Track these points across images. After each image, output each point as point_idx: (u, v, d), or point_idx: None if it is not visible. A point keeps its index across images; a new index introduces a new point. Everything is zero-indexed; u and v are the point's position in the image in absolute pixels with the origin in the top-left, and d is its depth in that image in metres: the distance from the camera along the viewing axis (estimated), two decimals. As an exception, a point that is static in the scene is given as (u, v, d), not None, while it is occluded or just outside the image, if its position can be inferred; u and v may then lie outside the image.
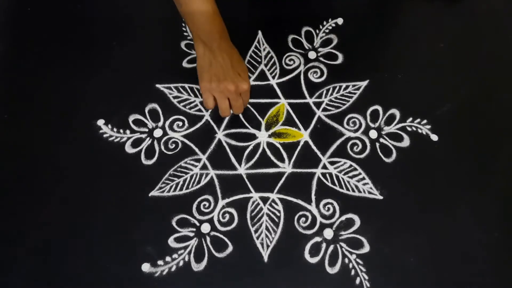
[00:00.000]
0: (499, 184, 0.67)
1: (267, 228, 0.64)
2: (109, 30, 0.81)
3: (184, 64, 0.77)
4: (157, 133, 0.71)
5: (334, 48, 0.79)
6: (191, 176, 0.68)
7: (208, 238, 0.63)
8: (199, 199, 0.66)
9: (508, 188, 0.67)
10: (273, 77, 0.76)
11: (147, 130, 0.72)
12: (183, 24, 0.82)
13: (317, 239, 0.63)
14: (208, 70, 0.65)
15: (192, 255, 0.62)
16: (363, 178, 0.67)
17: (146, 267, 0.61)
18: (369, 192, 0.66)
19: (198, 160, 0.69)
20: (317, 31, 0.81)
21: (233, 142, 0.70)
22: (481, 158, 0.69)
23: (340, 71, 0.76)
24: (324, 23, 0.82)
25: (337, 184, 0.67)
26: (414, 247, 0.62)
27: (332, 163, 0.69)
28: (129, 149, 0.70)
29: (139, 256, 0.62)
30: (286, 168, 0.67)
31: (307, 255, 0.62)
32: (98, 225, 0.64)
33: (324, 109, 0.73)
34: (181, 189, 0.67)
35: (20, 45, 0.80)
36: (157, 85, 0.75)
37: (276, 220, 0.64)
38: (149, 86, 0.75)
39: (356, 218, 0.64)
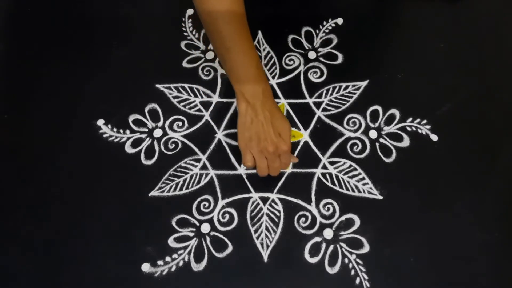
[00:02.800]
0: (499, 184, 0.67)
1: (267, 228, 0.64)
2: (109, 30, 0.81)
3: (184, 64, 0.77)
4: (157, 133, 0.71)
5: (334, 48, 0.79)
6: (191, 176, 0.68)
7: (208, 238, 0.63)
8: (199, 199, 0.66)
9: (508, 188, 0.67)
10: (273, 77, 0.76)
11: (147, 130, 0.72)
12: (183, 24, 0.82)
13: (317, 239, 0.63)
14: (249, 128, 0.61)
15: (192, 255, 0.62)
16: (363, 178, 0.67)
17: (146, 267, 0.61)
18: (369, 192, 0.66)
19: (198, 160, 0.69)
20: (317, 31, 0.81)
21: (233, 142, 0.70)
22: (481, 158, 0.69)
23: (340, 71, 0.76)
24: (324, 23, 0.82)
25: (337, 184, 0.67)
26: (414, 247, 0.62)
27: (332, 163, 0.69)
28: (129, 149, 0.70)
29: (139, 256, 0.62)
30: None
31: (307, 255, 0.62)
32: (98, 225, 0.64)
33: (324, 109, 0.73)
34: (181, 189, 0.67)
35: (20, 45, 0.80)
36: (157, 85, 0.75)
37: (276, 220, 0.64)
38: (149, 86, 0.75)
39: (356, 218, 0.64)
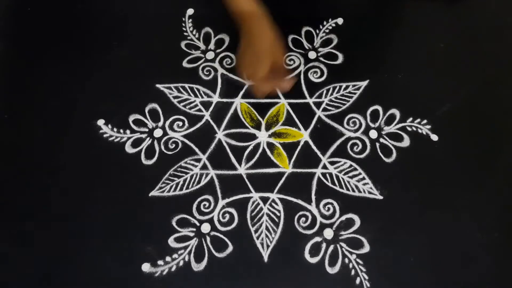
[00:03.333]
0: (499, 184, 0.67)
1: (267, 228, 0.64)
2: (109, 30, 0.81)
3: (184, 64, 0.77)
4: (157, 133, 0.71)
5: (334, 48, 0.79)
6: (191, 176, 0.68)
7: (208, 238, 0.63)
8: (199, 199, 0.66)
9: (508, 188, 0.67)
10: (273, 77, 0.76)
11: (147, 130, 0.72)
12: (183, 24, 0.82)
13: (317, 239, 0.63)
14: (239, 52, 0.67)
15: (192, 255, 0.62)
16: (363, 178, 0.67)
17: (146, 267, 0.61)
18: (369, 192, 0.66)
19: (198, 160, 0.69)
20: (317, 31, 0.81)
21: (233, 142, 0.70)
22: (481, 158, 0.69)
23: (340, 71, 0.76)
24: (324, 23, 0.82)
25: (337, 184, 0.67)
26: (414, 247, 0.63)
27: (332, 163, 0.69)
28: (129, 149, 0.70)
29: (139, 256, 0.62)
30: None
31: (307, 255, 0.62)
32: (98, 225, 0.64)
33: (324, 109, 0.73)
34: (181, 189, 0.67)
35: (20, 45, 0.80)
36: (157, 85, 0.75)
37: (276, 220, 0.64)
38: (149, 86, 0.75)
39: (356, 218, 0.64)
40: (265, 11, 0.65)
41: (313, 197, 0.66)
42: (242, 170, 0.68)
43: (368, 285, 0.60)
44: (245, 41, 0.64)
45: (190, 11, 0.83)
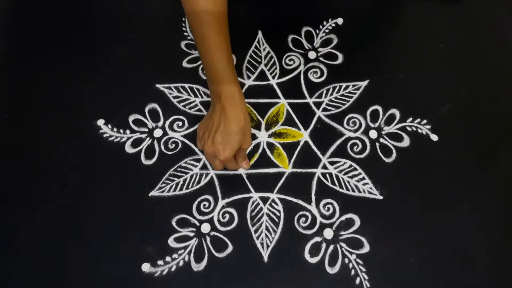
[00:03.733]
0: (499, 184, 0.67)
1: (267, 228, 0.64)
2: (109, 30, 0.81)
3: (184, 64, 0.77)
4: (157, 133, 0.71)
5: (334, 48, 0.79)
6: (191, 176, 0.68)
7: (208, 238, 0.63)
8: (199, 199, 0.66)
9: (508, 188, 0.67)
10: (273, 77, 0.76)
11: (147, 130, 0.72)
12: (183, 24, 0.82)
13: (317, 239, 0.63)
14: (205, 120, 0.65)
15: (192, 255, 0.62)
16: (363, 178, 0.67)
17: (146, 267, 0.61)
18: (369, 192, 0.66)
19: (198, 160, 0.69)
20: (317, 31, 0.81)
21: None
22: (481, 158, 0.69)
23: (340, 71, 0.76)
24: (324, 23, 0.82)
25: (337, 184, 0.67)
26: (414, 247, 0.62)
27: (332, 163, 0.69)
28: (129, 149, 0.70)
29: (139, 256, 0.62)
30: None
31: (307, 255, 0.62)
32: (98, 225, 0.64)
33: (324, 109, 0.73)
34: (181, 189, 0.67)
35: (20, 45, 0.80)
36: (157, 85, 0.75)
37: (276, 220, 0.64)
38: (149, 86, 0.75)
39: (356, 218, 0.64)
40: (243, 95, 0.63)
41: (313, 197, 0.66)
42: (242, 170, 0.68)
43: (368, 285, 0.60)
44: (216, 119, 0.62)
45: (190, 11, 0.83)
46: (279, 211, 0.65)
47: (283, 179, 0.68)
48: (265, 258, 0.62)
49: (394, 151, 0.70)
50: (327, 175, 0.68)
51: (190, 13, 0.61)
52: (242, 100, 0.63)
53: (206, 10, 0.59)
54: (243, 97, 0.63)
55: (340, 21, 0.82)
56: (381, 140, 0.71)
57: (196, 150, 0.70)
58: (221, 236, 0.63)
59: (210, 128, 0.63)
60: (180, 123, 0.72)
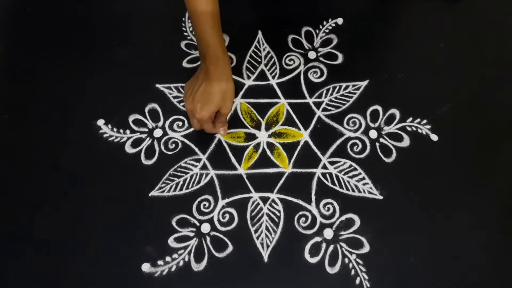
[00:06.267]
0: (499, 184, 0.67)
1: (267, 228, 0.64)
2: (109, 30, 0.81)
3: (184, 64, 0.77)
4: (157, 133, 0.71)
5: (334, 48, 0.79)
6: (191, 176, 0.68)
7: (208, 238, 0.63)
8: (199, 199, 0.66)
9: (508, 188, 0.67)
10: (273, 77, 0.76)
11: (147, 130, 0.72)
12: (183, 24, 0.82)
13: (317, 239, 0.63)
14: (191, 78, 0.67)
15: (192, 255, 0.62)
16: (363, 178, 0.67)
17: (146, 267, 0.61)
18: (369, 192, 0.66)
19: (198, 160, 0.69)
20: (317, 31, 0.81)
21: (233, 142, 0.70)
22: (481, 158, 0.69)
23: (340, 71, 0.76)
24: (324, 23, 0.82)
25: (337, 184, 0.67)
26: (414, 247, 0.63)
27: (332, 163, 0.69)
28: (129, 149, 0.70)
29: (139, 256, 0.62)
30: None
31: (307, 255, 0.62)
32: (98, 225, 0.64)
33: (324, 109, 0.73)
34: (181, 189, 0.67)
35: (20, 45, 0.80)
36: (157, 85, 0.75)
37: (276, 220, 0.64)
38: (149, 86, 0.75)
39: (356, 218, 0.64)
40: (229, 61, 0.64)
41: (313, 197, 0.66)
42: (242, 170, 0.68)
43: (368, 285, 0.60)
44: (200, 78, 0.64)
45: (190, 11, 0.83)
46: (279, 211, 0.65)
47: (283, 179, 0.68)
48: (265, 258, 0.62)
49: (394, 151, 0.70)
50: (327, 175, 0.68)
51: None
52: (226, 63, 0.64)
53: None
54: (228, 61, 0.64)
55: (340, 21, 0.82)
56: (381, 140, 0.71)
57: (196, 150, 0.70)
58: (221, 236, 0.63)
59: (193, 86, 0.64)
60: (180, 123, 0.72)
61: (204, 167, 0.68)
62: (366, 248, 0.62)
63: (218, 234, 0.63)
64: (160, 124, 0.72)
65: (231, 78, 0.64)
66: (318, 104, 0.74)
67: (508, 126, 0.72)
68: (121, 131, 0.71)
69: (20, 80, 0.77)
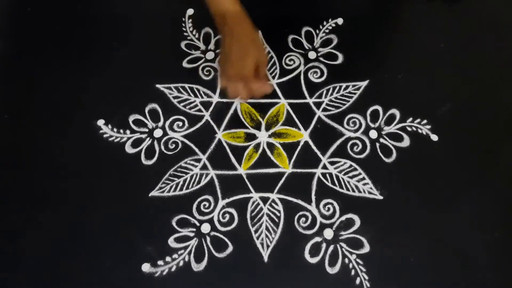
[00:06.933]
0: (499, 184, 0.67)
1: (267, 228, 0.64)
2: (109, 30, 0.81)
3: (184, 64, 0.77)
4: (157, 133, 0.71)
5: (334, 48, 0.79)
6: (191, 176, 0.68)
7: (208, 238, 0.63)
8: (199, 199, 0.66)
9: (508, 188, 0.67)
10: (273, 77, 0.76)
11: (147, 130, 0.72)
12: (183, 24, 0.82)
13: (317, 239, 0.63)
14: (221, 53, 0.65)
15: (192, 255, 0.62)
16: (363, 178, 0.67)
17: (146, 267, 0.61)
18: (369, 192, 0.66)
19: (198, 160, 0.69)
20: (317, 31, 0.81)
21: (233, 142, 0.70)
22: (481, 158, 0.69)
23: (340, 71, 0.76)
24: (324, 23, 0.82)
25: (337, 184, 0.67)
26: (414, 247, 0.63)
27: (332, 163, 0.69)
28: (129, 149, 0.70)
29: (139, 256, 0.62)
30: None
31: (307, 255, 0.62)
32: (98, 225, 0.64)
33: (324, 109, 0.73)
34: (181, 189, 0.67)
35: (20, 45, 0.80)
36: (157, 85, 0.75)
37: (276, 220, 0.64)
38: (149, 86, 0.75)
39: (356, 218, 0.64)
40: (247, 14, 0.64)
41: (313, 197, 0.66)
42: (242, 170, 0.68)
43: (368, 285, 0.60)
44: (228, 41, 0.62)
45: (190, 11, 0.83)
46: (279, 211, 0.65)
47: (283, 179, 0.68)
48: (265, 258, 0.62)
49: (394, 151, 0.70)
50: (327, 175, 0.68)
51: None
52: (247, 17, 0.63)
53: None
54: (247, 16, 0.63)
55: (340, 21, 0.82)
56: (381, 140, 0.71)
57: (196, 150, 0.70)
58: (221, 236, 0.63)
59: (226, 55, 0.62)
60: (180, 123, 0.72)
61: (204, 167, 0.68)
62: (366, 248, 0.62)
63: (218, 234, 0.63)
64: (160, 124, 0.72)
65: (253, 26, 0.63)
66: (318, 104, 0.74)
67: (508, 126, 0.72)
68: (121, 131, 0.71)
69: (20, 80, 0.77)
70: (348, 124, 0.72)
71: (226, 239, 0.63)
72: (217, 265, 0.61)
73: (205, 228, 0.64)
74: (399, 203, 0.65)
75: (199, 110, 0.73)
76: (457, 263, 0.62)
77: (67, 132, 0.71)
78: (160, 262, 0.61)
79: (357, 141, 0.70)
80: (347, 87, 0.75)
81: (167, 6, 0.84)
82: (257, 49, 0.63)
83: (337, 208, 0.65)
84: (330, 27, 0.81)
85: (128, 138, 0.71)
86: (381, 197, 0.66)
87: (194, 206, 0.65)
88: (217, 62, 0.67)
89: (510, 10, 0.84)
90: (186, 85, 0.75)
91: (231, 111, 0.73)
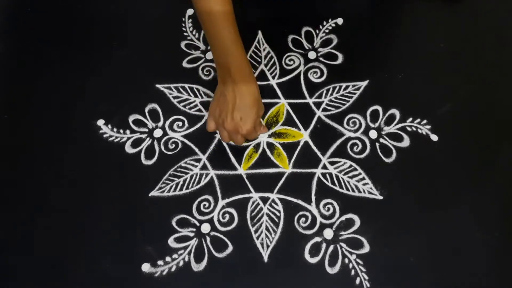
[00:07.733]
0: (499, 184, 0.67)
1: (267, 228, 0.64)
2: (109, 30, 0.81)
3: (184, 64, 0.77)
4: (157, 133, 0.71)
5: (334, 48, 0.79)
6: (191, 176, 0.68)
7: (208, 238, 0.63)
8: (199, 199, 0.66)
9: (508, 188, 0.67)
10: (273, 77, 0.76)
11: (147, 130, 0.72)
12: (183, 24, 0.82)
13: (317, 239, 0.63)
14: (217, 100, 0.63)
15: (192, 255, 0.62)
16: (363, 178, 0.67)
17: (146, 267, 0.61)
18: (369, 192, 0.66)
19: (198, 160, 0.69)
20: (317, 31, 0.81)
21: (233, 142, 0.70)
22: (481, 158, 0.69)
23: (340, 71, 0.76)
24: (324, 23, 0.82)
25: (337, 184, 0.67)
26: (414, 247, 0.62)
27: (332, 163, 0.69)
28: (129, 149, 0.70)
29: (139, 256, 0.62)
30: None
31: (307, 255, 0.62)
32: (98, 225, 0.64)
33: (324, 109, 0.73)
34: (181, 189, 0.67)
35: (20, 45, 0.80)
36: (157, 85, 0.75)
37: (276, 220, 0.64)
38: (149, 86, 0.75)
39: (356, 218, 0.64)
40: (251, 67, 0.62)
41: (313, 197, 0.66)
42: (242, 170, 0.68)
43: (368, 285, 0.60)
44: (230, 96, 0.60)
45: (190, 11, 0.83)
46: (279, 211, 0.65)
47: (283, 179, 0.68)
48: (265, 258, 0.62)
49: (394, 151, 0.70)
50: (327, 175, 0.68)
51: None
52: (251, 71, 0.62)
53: None
54: (251, 68, 0.63)
55: (340, 21, 0.82)
56: (381, 140, 0.71)
57: (196, 150, 0.70)
58: (221, 236, 0.63)
59: (225, 106, 0.61)
60: (180, 123, 0.72)
61: (204, 167, 0.68)
62: (366, 248, 0.62)
63: (218, 234, 0.63)
64: (160, 124, 0.72)
65: (255, 80, 0.63)
66: (318, 104, 0.74)
67: (508, 126, 0.72)
68: (121, 131, 0.71)
69: (20, 80, 0.77)
70: (348, 124, 0.72)
71: (226, 239, 0.63)
72: (217, 265, 0.61)
73: (205, 228, 0.64)
74: (399, 203, 0.65)
75: (199, 110, 0.73)
76: (456, 263, 0.62)
77: (67, 132, 0.71)
78: (160, 262, 0.61)
79: (357, 141, 0.70)
80: (347, 87, 0.75)
81: (167, 6, 0.84)
82: (260, 108, 0.63)
83: (337, 208, 0.65)
84: (330, 27, 0.81)
85: (128, 138, 0.71)
86: (381, 197, 0.66)
87: (194, 206, 0.65)
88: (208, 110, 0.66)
89: (510, 10, 0.84)
90: (186, 85, 0.75)
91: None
